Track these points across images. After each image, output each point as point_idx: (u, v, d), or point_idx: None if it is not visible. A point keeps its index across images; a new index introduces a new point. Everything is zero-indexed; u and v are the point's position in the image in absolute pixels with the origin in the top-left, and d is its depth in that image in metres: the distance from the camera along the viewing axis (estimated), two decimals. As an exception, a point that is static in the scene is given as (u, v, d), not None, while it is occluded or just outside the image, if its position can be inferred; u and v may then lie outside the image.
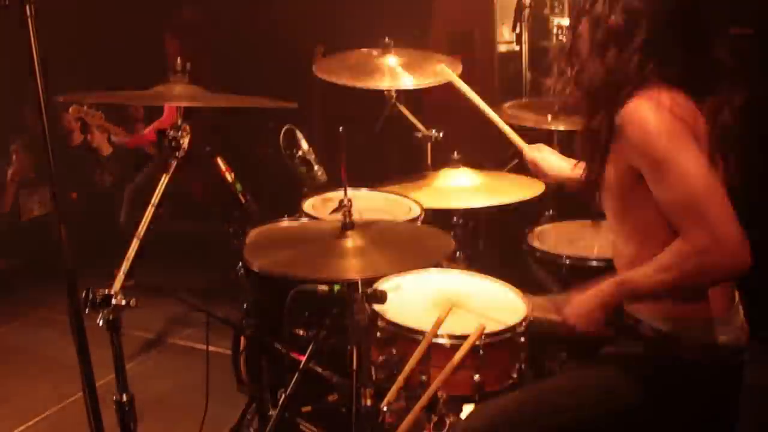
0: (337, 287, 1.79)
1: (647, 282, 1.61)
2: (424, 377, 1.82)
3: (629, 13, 1.63)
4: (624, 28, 1.63)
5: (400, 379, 1.79)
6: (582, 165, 1.83)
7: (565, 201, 2.85)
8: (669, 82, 1.61)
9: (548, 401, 1.75)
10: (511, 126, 2.47)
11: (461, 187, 2.67)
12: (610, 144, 1.67)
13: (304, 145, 2.52)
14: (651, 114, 1.57)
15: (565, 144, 3.02)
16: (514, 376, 1.87)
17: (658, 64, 1.62)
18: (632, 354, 1.75)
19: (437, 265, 2.18)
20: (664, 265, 1.57)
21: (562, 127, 2.80)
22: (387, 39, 2.73)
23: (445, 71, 2.59)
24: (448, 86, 2.59)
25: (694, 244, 1.51)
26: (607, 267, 1.90)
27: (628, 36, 1.63)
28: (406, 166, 3.02)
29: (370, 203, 2.56)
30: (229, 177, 2.04)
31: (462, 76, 2.59)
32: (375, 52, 2.74)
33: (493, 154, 3.65)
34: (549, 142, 3.01)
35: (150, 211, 1.67)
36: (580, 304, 1.73)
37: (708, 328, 1.68)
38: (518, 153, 2.43)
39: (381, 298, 1.79)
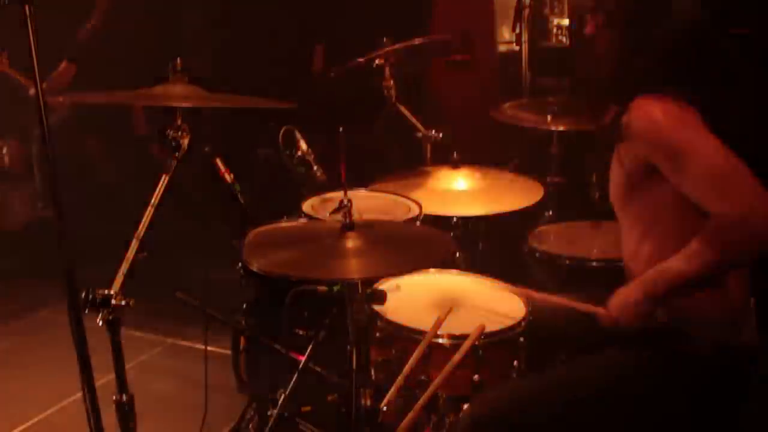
0: (336, 287, 1.79)
1: (691, 265, 1.59)
2: (424, 377, 1.82)
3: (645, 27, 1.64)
4: (639, 38, 1.65)
5: (400, 379, 1.79)
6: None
7: (565, 202, 2.85)
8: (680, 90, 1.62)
9: (556, 389, 1.76)
10: (512, 126, 2.46)
11: (460, 191, 2.67)
12: (618, 143, 1.67)
13: (304, 145, 2.52)
14: (657, 107, 1.58)
15: (565, 144, 3.03)
16: (514, 376, 1.87)
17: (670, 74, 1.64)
18: (643, 346, 1.75)
19: (437, 265, 2.18)
20: (708, 241, 1.55)
21: (561, 128, 2.80)
22: (385, 39, 2.73)
23: None
24: (449, 86, 2.59)
25: (731, 216, 1.52)
26: (607, 267, 1.90)
27: (643, 44, 1.65)
28: (406, 166, 3.02)
29: (370, 204, 2.56)
30: (229, 177, 2.04)
31: (462, 76, 2.59)
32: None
33: (493, 154, 3.65)
34: (549, 142, 3.02)
35: (150, 211, 1.67)
36: (623, 296, 1.71)
37: (723, 328, 1.69)
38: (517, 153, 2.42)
39: (381, 298, 1.79)
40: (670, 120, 1.58)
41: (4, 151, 4.82)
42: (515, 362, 1.86)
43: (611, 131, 1.69)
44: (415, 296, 2.06)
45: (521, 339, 1.87)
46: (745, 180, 1.52)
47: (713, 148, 1.55)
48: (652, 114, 1.59)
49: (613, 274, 1.77)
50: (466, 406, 1.76)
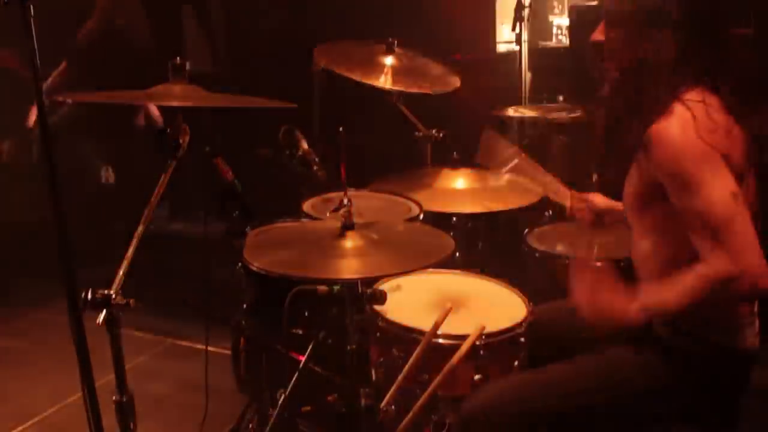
0: (336, 287, 1.79)
1: (671, 306, 1.63)
2: (424, 377, 1.82)
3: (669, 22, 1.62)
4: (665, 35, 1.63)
5: (400, 379, 1.79)
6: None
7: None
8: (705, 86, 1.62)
9: (555, 384, 1.76)
10: (512, 126, 2.46)
11: (460, 190, 2.67)
12: (636, 153, 1.66)
13: (304, 145, 2.51)
14: (678, 135, 1.56)
15: (565, 143, 3.02)
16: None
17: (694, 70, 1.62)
18: (644, 348, 1.76)
19: (437, 265, 2.18)
20: (687, 289, 1.58)
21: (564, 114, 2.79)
22: (390, 40, 2.73)
23: None
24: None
25: (717, 271, 1.53)
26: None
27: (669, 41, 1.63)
28: (406, 166, 3.02)
29: (370, 203, 2.56)
30: (229, 177, 2.04)
31: (462, 76, 2.60)
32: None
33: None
34: (549, 142, 3.02)
35: (150, 211, 1.67)
36: (604, 309, 1.70)
37: (725, 330, 1.69)
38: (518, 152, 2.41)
39: (381, 298, 1.79)
40: (686, 151, 1.55)
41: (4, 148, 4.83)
42: (515, 363, 1.86)
43: (633, 141, 1.66)
44: (415, 296, 2.06)
45: (521, 339, 1.87)
46: (740, 237, 1.52)
47: (719, 193, 1.53)
48: (672, 141, 1.56)
49: (628, 271, 1.77)
50: (465, 404, 1.75)
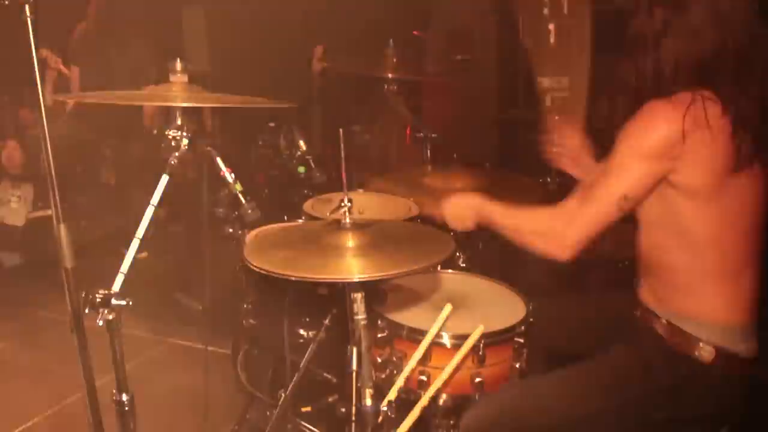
0: (337, 287, 1.79)
1: (502, 220, 1.87)
2: (424, 377, 1.82)
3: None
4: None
5: (400, 379, 1.79)
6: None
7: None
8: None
9: (556, 394, 1.76)
10: (511, 126, 2.46)
11: (460, 190, 2.66)
12: None
13: (304, 145, 2.52)
14: (652, 117, 1.59)
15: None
16: (514, 376, 1.87)
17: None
18: (644, 350, 1.76)
19: (437, 265, 2.18)
20: (526, 217, 1.82)
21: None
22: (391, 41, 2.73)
23: None
24: (449, 86, 2.59)
25: (554, 226, 1.71)
26: (608, 267, 1.90)
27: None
28: (406, 166, 3.02)
29: (370, 203, 2.56)
30: (230, 177, 2.04)
31: (462, 76, 2.59)
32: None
33: (493, 154, 3.65)
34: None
35: (150, 211, 1.67)
36: (458, 204, 1.99)
37: (724, 333, 1.68)
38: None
39: (381, 298, 1.79)
40: (638, 131, 1.61)
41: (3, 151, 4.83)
42: (516, 363, 1.86)
43: None
44: (415, 296, 2.06)
45: (522, 339, 1.87)
46: (591, 219, 1.66)
47: (623, 176, 1.63)
48: (643, 118, 1.61)
49: (613, 274, 1.77)
50: (468, 412, 1.75)
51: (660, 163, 1.60)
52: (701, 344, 1.67)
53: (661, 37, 1.65)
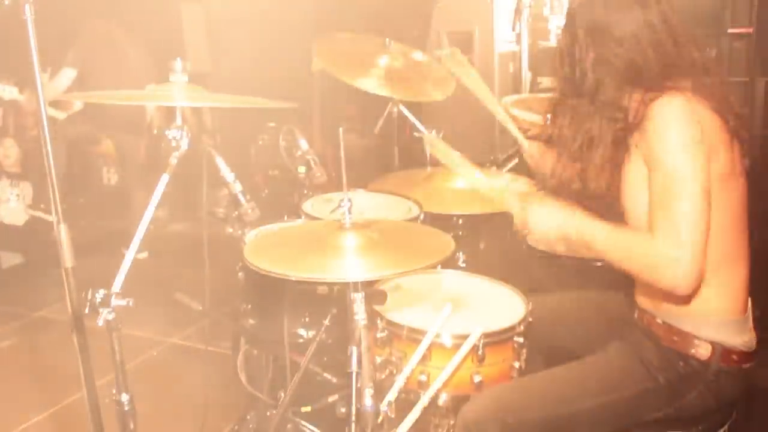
0: (337, 288, 1.79)
1: (604, 249, 1.65)
2: (424, 377, 1.82)
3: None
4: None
5: (400, 379, 1.79)
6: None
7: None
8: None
9: (554, 389, 1.76)
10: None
11: (460, 190, 2.66)
12: (632, 133, 1.67)
13: (304, 145, 2.52)
14: (677, 117, 1.57)
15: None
16: (514, 376, 1.87)
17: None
18: (643, 348, 1.76)
19: (437, 265, 2.18)
20: (627, 245, 1.62)
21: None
22: (387, 40, 2.73)
23: None
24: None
25: (658, 251, 1.55)
26: (608, 267, 1.89)
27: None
28: (406, 166, 3.02)
29: (370, 203, 2.56)
30: (230, 177, 2.04)
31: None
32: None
33: (493, 155, 3.65)
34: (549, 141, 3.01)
35: (150, 211, 1.67)
36: (542, 224, 1.75)
37: (722, 331, 1.68)
38: (517, 152, 2.42)
39: (381, 298, 1.79)
40: (683, 135, 1.56)
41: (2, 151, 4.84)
42: (516, 362, 1.86)
43: (625, 120, 1.67)
44: (415, 296, 2.06)
45: (521, 339, 1.87)
46: (699, 237, 1.52)
47: (696, 188, 1.54)
48: (670, 120, 1.57)
49: (613, 274, 1.77)
50: (467, 406, 1.76)
51: (703, 147, 1.57)
52: (697, 341, 1.68)
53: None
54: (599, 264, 2.29)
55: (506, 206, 1.87)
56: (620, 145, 1.69)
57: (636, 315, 1.83)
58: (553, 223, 1.73)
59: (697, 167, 1.55)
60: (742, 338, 1.70)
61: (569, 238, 1.71)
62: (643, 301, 1.80)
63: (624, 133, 1.68)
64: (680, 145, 1.56)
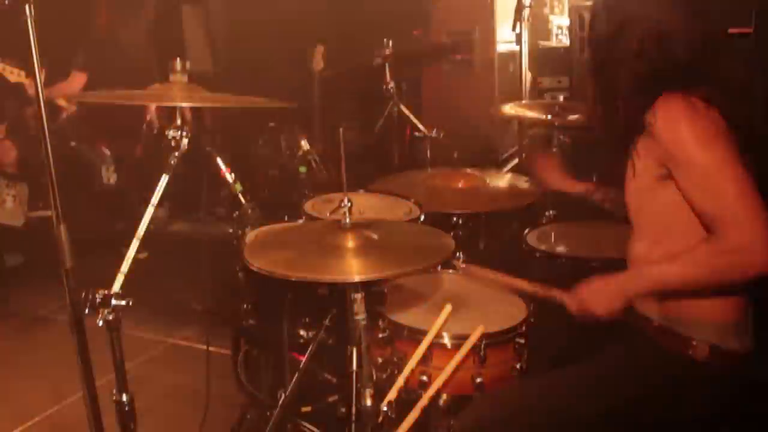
0: (336, 288, 1.79)
1: (677, 276, 1.60)
2: (424, 377, 1.82)
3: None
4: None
5: (400, 379, 1.79)
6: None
7: (565, 201, 2.85)
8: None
9: (552, 393, 1.75)
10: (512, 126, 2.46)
11: (461, 190, 2.67)
12: (636, 138, 1.66)
13: (305, 145, 2.52)
14: (685, 110, 1.56)
15: (565, 143, 3.02)
16: (515, 376, 1.87)
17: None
18: (640, 350, 1.75)
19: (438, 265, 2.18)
20: (697, 260, 1.57)
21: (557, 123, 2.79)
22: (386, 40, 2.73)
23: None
24: (449, 86, 2.59)
25: (729, 242, 1.51)
26: (608, 267, 1.89)
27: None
28: (406, 166, 3.02)
29: (370, 204, 2.56)
30: (230, 177, 2.04)
31: (462, 76, 2.59)
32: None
33: (493, 155, 3.65)
34: (549, 141, 3.02)
35: (150, 211, 1.67)
36: (599, 289, 1.70)
37: (720, 331, 1.68)
38: (517, 152, 2.42)
39: (381, 298, 1.79)
40: (695, 131, 1.55)
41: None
42: (516, 363, 1.86)
43: (629, 128, 1.66)
44: (415, 296, 2.06)
45: (522, 340, 1.87)
46: (750, 211, 1.49)
47: (728, 170, 1.52)
48: (677, 120, 1.56)
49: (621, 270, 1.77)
50: (463, 416, 1.75)
51: (719, 131, 1.56)
52: (694, 342, 1.67)
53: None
54: (595, 264, 2.30)
55: (555, 300, 1.83)
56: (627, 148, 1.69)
57: (634, 317, 1.82)
58: (611, 294, 1.69)
59: (721, 151, 1.54)
60: (740, 341, 1.70)
61: (639, 294, 1.69)
62: (640, 303, 1.79)
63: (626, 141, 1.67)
64: (695, 137, 1.55)
